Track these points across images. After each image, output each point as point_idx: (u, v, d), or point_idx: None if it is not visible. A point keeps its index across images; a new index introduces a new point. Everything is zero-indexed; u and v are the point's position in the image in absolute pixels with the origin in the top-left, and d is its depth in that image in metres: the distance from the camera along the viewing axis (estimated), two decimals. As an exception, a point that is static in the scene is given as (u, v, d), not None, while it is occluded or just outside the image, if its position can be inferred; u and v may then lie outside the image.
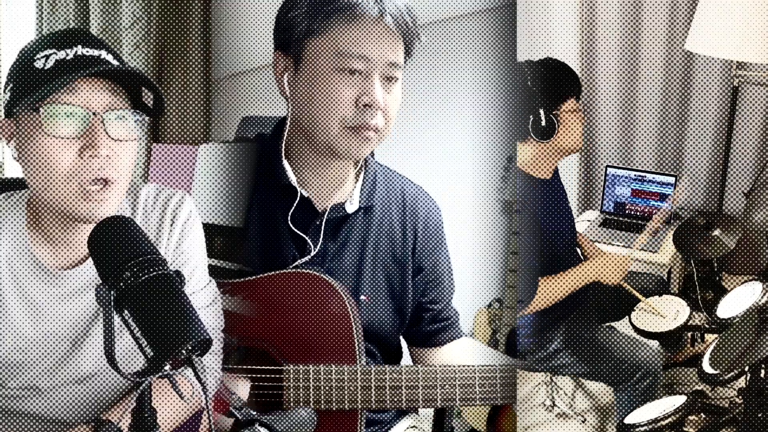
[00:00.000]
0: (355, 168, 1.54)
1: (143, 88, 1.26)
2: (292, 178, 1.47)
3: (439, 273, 1.62)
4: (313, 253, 1.48)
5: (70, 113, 1.18)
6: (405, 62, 1.46)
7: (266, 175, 1.50)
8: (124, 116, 1.23)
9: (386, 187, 1.57)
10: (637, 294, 2.06)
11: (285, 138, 1.47)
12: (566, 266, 1.97)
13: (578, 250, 2.17)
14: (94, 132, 1.19)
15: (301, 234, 1.48)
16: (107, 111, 1.20)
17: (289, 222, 1.47)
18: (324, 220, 1.48)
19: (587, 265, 1.96)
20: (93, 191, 1.20)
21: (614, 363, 1.97)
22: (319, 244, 1.48)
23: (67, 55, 1.19)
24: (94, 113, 1.19)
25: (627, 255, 2.02)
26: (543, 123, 1.87)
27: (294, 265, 1.49)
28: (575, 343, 2.00)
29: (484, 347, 1.86)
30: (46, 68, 1.19)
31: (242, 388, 1.43)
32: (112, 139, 1.21)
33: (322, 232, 1.48)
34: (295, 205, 1.47)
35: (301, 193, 1.47)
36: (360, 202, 1.51)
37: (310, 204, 1.48)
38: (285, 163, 1.47)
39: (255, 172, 1.54)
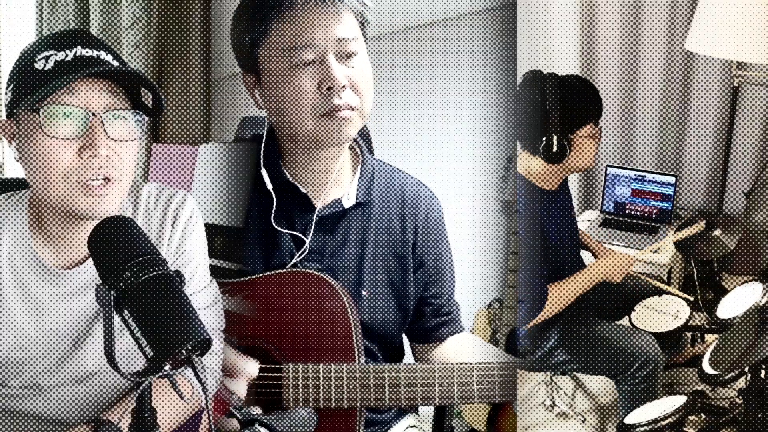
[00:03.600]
0: (353, 164, 1.55)
1: (142, 89, 1.26)
2: (269, 185, 1.47)
3: (440, 267, 1.62)
4: (306, 249, 1.48)
5: (69, 114, 1.18)
6: (364, 32, 1.43)
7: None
8: (124, 116, 1.23)
9: (385, 182, 1.57)
10: (658, 284, 2.05)
11: (264, 146, 1.48)
12: (570, 273, 1.96)
13: (581, 255, 2.17)
14: (93, 132, 1.19)
15: (294, 233, 1.48)
16: (107, 111, 1.21)
17: (272, 221, 1.47)
18: (316, 215, 1.48)
19: (593, 267, 1.95)
20: (94, 186, 1.21)
21: (612, 354, 1.96)
22: (309, 239, 1.48)
23: (67, 56, 1.19)
24: (93, 114, 1.19)
25: (632, 255, 2.01)
26: (554, 149, 1.81)
27: (292, 263, 1.49)
28: (571, 339, 2.00)
29: (485, 343, 1.86)
30: (45, 69, 1.19)
31: (250, 367, 1.42)
32: (112, 139, 1.21)
33: (312, 226, 1.48)
34: (274, 209, 1.47)
35: (299, 190, 1.47)
36: (357, 197, 1.52)
37: (307, 200, 1.48)
38: (263, 170, 1.47)
39: (254, 172, 1.54)
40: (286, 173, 1.48)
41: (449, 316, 1.64)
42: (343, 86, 1.37)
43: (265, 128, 1.49)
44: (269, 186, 1.47)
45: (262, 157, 1.47)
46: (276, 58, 1.38)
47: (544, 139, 1.81)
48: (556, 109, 1.80)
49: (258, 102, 1.46)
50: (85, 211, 1.22)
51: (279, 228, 1.48)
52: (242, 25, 1.41)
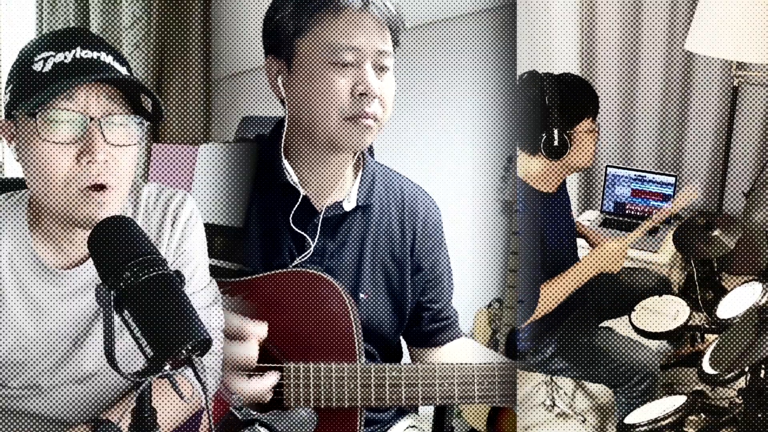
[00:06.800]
0: (354, 167, 1.55)
1: (141, 94, 1.25)
2: (294, 178, 1.47)
3: (438, 272, 1.62)
4: (311, 251, 1.49)
5: (67, 119, 1.17)
6: (394, 51, 1.46)
7: (266, 174, 1.50)
8: (123, 121, 1.22)
9: (385, 186, 1.58)
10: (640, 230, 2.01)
11: (284, 138, 1.47)
12: None
13: (578, 255, 2.16)
14: (91, 137, 1.18)
15: (300, 232, 1.48)
16: (105, 116, 1.19)
17: (290, 221, 1.47)
18: (321, 218, 1.49)
19: (586, 261, 1.93)
20: (92, 195, 1.20)
21: (612, 366, 1.96)
22: (316, 241, 1.48)
23: (66, 57, 1.18)
24: (91, 119, 1.18)
25: (625, 240, 1.98)
26: (555, 143, 1.84)
27: (294, 264, 1.49)
28: (571, 347, 1.99)
29: (483, 348, 1.86)
30: (44, 71, 1.17)
31: (259, 328, 1.42)
32: (110, 144, 1.20)
33: (318, 229, 1.49)
34: (297, 204, 1.47)
35: (300, 192, 1.47)
36: (358, 200, 1.52)
37: (308, 202, 1.49)
38: (285, 162, 1.47)
39: (255, 172, 1.54)
40: (289, 174, 1.48)
41: (447, 321, 1.64)
42: (375, 95, 1.40)
43: (285, 123, 1.47)
44: (293, 179, 1.47)
45: (282, 151, 1.47)
46: (316, 51, 1.40)
47: (544, 134, 1.82)
48: (556, 104, 1.82)
49: (278, 89, 1.46)
50: (83, 219, 1.21)
51: (294, 227, 1.48)
52: (288, 10, 1.41)
